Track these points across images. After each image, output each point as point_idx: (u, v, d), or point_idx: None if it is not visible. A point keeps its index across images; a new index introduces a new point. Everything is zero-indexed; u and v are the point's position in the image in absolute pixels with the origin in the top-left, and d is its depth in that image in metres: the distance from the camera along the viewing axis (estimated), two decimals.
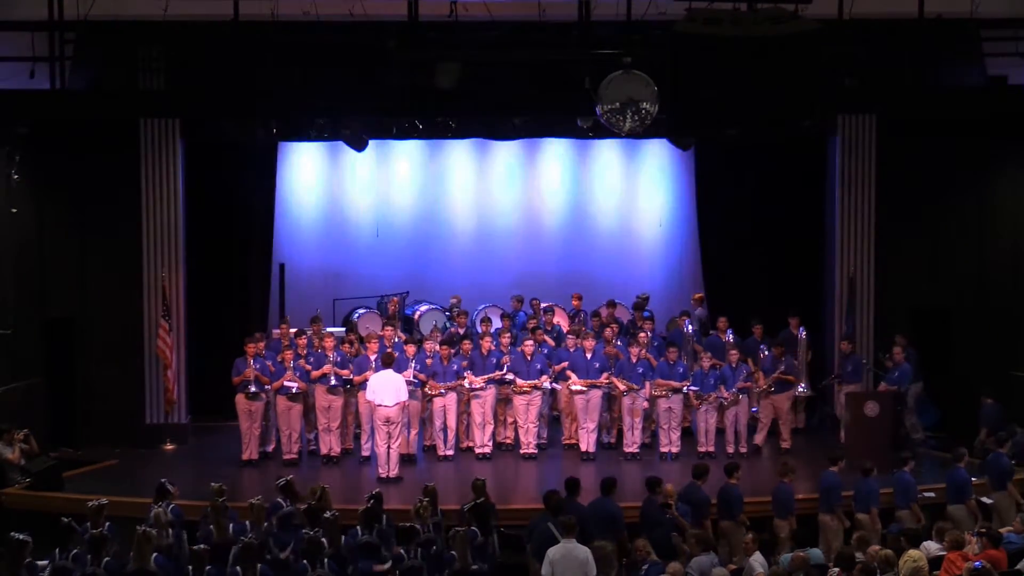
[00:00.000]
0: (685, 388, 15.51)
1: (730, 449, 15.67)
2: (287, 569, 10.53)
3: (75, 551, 10.46)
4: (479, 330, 16.82)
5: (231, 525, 11.28)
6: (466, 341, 15.95)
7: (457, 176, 19.48)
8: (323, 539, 10.52)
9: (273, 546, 10.91)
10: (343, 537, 10.93)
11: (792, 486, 12.84)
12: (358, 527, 11.07)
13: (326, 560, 10.36)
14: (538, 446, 15.85)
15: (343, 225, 19.24)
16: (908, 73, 16.51)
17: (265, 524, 11.28)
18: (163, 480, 12.06)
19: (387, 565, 10.71)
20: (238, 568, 10.11)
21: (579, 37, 14.84)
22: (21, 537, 10.15)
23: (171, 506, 11.68)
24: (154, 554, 10.34)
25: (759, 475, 14.83)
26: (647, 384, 15.51)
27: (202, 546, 10.51)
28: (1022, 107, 16.54)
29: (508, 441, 16.13)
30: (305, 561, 10.28)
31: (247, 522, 11.34)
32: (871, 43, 15.92)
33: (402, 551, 10.63)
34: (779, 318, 16.96)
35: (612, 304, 17.57)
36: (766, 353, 16.24)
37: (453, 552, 10.63)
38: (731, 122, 17.14)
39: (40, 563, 10.32)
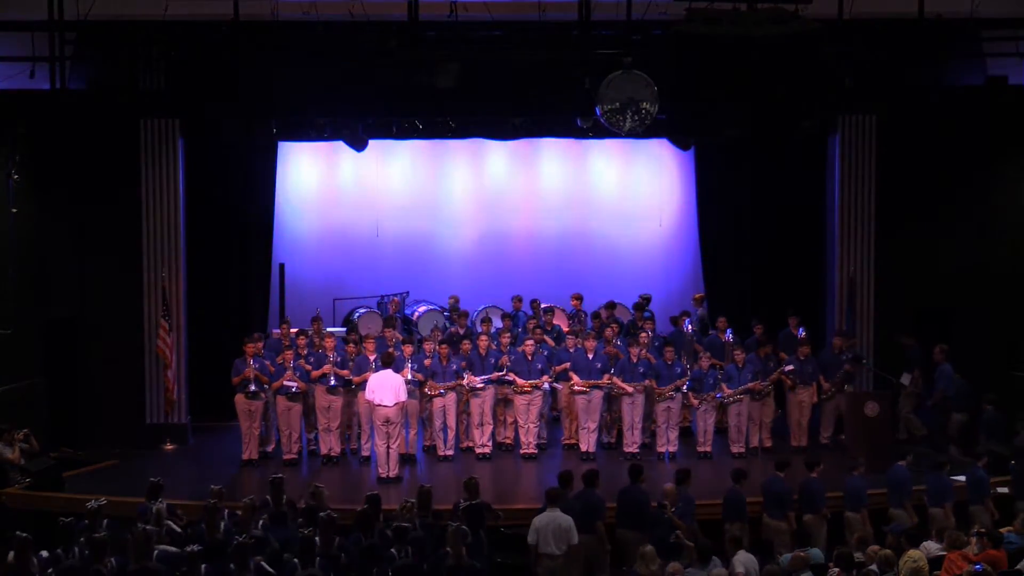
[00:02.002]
0: (683, 387, 15.50)
1: (733, 449, 15.68)
2: (282, 566, 10.52)
3: (79, 550, 10.50)
4: (479, 330, 16.83)
5: (223, 524, 11.28)
6: (465, 341, 15.95)
7: (457, 176, 19.48)
8: (317, 539, 10.51)
9: (271, 541, 10.90)
10: (336, 539, 10.89)
11: (862, 480, 12.83)
12: (360, 533, 11.03)
13: (317, 560, 10.35)
14: (538, 446, 15.85)
15: (343, 225, 19.22)
16: (908, 73, 16.49)
17: (260, 521, 11.28)
18: (154, 479, 12.07)
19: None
20: (232, 567, 10.12)
21: (579, 37, 14.83)
22: (24, 535, 10.23)
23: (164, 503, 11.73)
24: (155, 551, 10.37)
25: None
26: (647, 383, 15.51)
27: (195, 547, 10.51)
28: (1022, 107, 16.55)
29: (508, 441, 16.12)
30: (296, 560, 10.27)
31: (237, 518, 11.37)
32: (871, 43, 15.90)
33: (393, 551, 10.61)
34: (779, 318, 16.95)
35: (612, 305, 17.57)
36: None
37: (447, 549, 10.63)
38: (731, 122, 17.26)
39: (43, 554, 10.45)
